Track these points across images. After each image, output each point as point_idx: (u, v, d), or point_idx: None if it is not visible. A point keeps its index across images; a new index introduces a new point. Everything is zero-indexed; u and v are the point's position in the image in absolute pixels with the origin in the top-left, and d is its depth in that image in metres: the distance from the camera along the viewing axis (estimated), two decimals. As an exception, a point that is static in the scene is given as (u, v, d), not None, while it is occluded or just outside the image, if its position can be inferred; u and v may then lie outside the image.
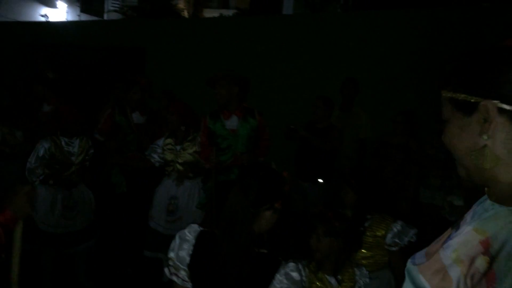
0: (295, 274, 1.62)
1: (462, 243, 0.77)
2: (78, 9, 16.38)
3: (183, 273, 1.65)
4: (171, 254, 1.68)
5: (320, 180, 4.31)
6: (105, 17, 17.21)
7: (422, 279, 0.79)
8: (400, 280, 1.77)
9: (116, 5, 17.30)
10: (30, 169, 3.51)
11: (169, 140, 3.82)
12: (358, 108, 4.75)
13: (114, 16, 15.95)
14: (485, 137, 0.77)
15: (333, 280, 2.04)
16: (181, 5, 19.61)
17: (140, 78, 4.31)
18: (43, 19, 12.90)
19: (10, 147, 4.73)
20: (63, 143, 3.62)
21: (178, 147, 3.79)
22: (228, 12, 19.98)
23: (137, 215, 3.99)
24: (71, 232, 3.62)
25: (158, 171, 3.98)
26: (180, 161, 3.75)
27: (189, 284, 1.65)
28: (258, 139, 3.80)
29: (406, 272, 0.84)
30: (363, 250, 2.42)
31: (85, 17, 16.09)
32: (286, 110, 5.80)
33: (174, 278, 1.68)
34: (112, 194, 4.18)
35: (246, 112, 3.73)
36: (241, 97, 3.73)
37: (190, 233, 1.69)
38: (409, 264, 0.85)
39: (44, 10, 14.83)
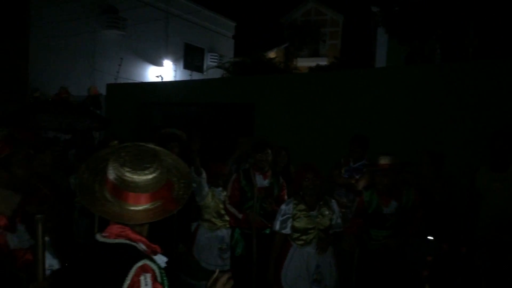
0: None
1: None
2: (181, 65, 17.75)
3: None
4: None
5: (430, 238, 4.07)
6: (205, 72, 18.41)
7: None
8: None
9: (215, 61, 18.44)
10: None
11: (302, 206, 3.65)
12: None
13: (213, 72, 16.98)
14: None
15: None
16: (272, 55, 20.38)
17: (273, 142, 4.36)
18: (157, 79, 14.10)
19: None
20: (216, 192, 4.38)
21: (313, 213, 3.62)
22: (320, 61, 20.31)
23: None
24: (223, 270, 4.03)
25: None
26: (321, 227, 3.61)
27: None
28: (410, 216, 3.70)
29: None
30: None
31: (187, 73, 17.35)
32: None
33: None
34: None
35: (403, 192, 3.71)
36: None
37: None
38: None
39: (152, 68, 16.25)
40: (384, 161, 3.59)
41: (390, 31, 8.48)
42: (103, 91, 10.90)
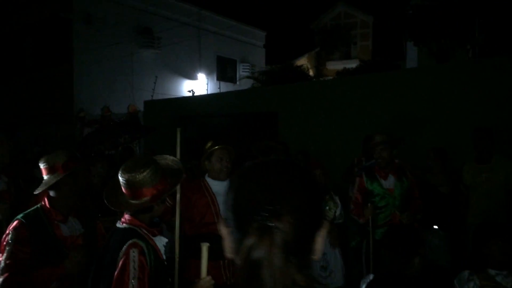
0: None
1: None
2: (214, 77, 18.49)
3: None
4: None
5: (435, 227, 4.37)
6: (237, 83, 19.06)
7: None
8: None
9: (247, 71, 19.06)
10: None
11: None
12: (499, 157, 4.28)
13: (246, 81, 17.57)
14: None
15: None
16: (303, 61, 20.76)
17: (275, 145, 4.88)
18: (189, 94, 14.85)
19: None
20: None
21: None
22: (352, 64, 20.50)
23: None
24: None
25: None
26: (328, 219, 4.07)
27: None
28: (410, 197, 3.99)
29: None
30: None
31: (219, 84, 18.06)
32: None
33: None
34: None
35: (400, 172, 4.00)
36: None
37: None
38: None
39: (187, 82, 17.05)
40: (380, 138, 3.97)
41: (406, 33, 8.78)
42: (141, 107, 11.69)
